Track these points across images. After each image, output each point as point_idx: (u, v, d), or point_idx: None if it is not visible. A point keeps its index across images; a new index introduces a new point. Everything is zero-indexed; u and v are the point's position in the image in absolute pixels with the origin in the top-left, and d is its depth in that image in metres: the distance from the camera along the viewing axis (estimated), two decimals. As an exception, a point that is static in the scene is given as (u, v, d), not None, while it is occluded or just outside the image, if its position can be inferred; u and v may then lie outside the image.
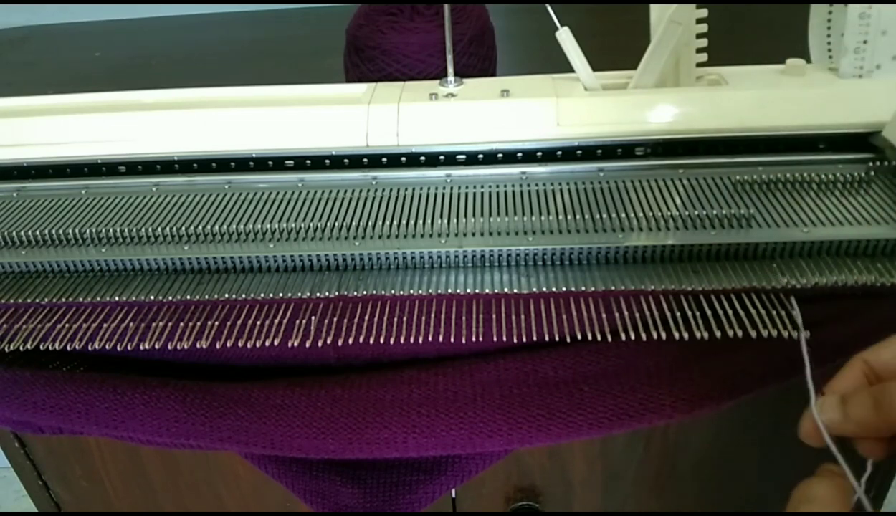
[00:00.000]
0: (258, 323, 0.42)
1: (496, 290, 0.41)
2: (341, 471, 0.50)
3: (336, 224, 0.45)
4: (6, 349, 0.42)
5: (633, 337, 0.39)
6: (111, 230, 0.46)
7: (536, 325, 0.40)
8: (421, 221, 0.45)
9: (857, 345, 0.41)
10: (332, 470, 0.50)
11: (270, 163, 0.52)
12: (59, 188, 0.52)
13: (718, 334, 0.38)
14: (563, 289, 0.41)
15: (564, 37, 0.51)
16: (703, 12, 0.49)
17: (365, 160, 0.51)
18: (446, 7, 0.51)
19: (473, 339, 0.40)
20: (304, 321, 0.41)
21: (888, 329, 0.37)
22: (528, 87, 0.52)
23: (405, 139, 0.51)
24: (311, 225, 0.45)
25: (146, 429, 0.44)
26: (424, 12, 0.57)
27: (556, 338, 0.41)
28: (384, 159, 0.51)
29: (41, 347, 0.42)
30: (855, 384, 0.32)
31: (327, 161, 0.51)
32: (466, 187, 0.48)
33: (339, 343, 0.41)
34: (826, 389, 0.33)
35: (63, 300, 0.43)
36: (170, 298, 0.42)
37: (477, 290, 0.41)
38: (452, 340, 0.40)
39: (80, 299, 0.43)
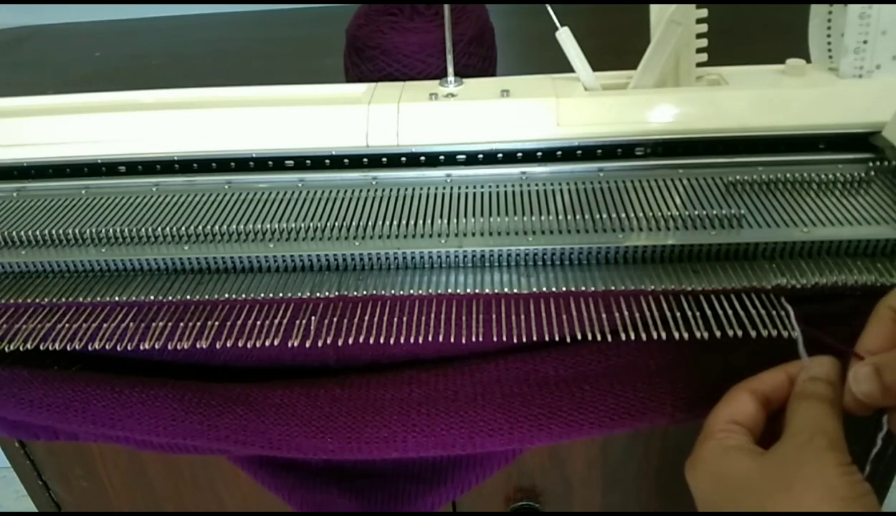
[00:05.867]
0: (258, 323, 0.42)
1: (496, 290, 0.41)
2: (339, 483, 0.50)
3: (336, 224, 0.45)
4: (6, 349, 0.42)
5: (633, 337, 0.39)
6: (111, 230, 0.46)
7: (536, 325, 0.40)
8: (421, 221, 0.45)
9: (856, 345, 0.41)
10: (330, 481, 0.50)
11: (270, 163, 0.52)
12: (59, 188, 0.52)
13: (718, 334, 0.38)
14: (563, 289, 0.41)
15: (564, 37, 0.51)
16: (703, 12, 0.49)
17: (365, 160, 0.51)
18: (446, 7, 0.51)
19: (473, 339, 0.40)
20: (304, 321, 0.41)
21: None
22: (528, 87, 0.52)
23: (405, 139, 0.51)
24: (311, 225, 0.45)
25: (143, 428, 0.44)
26: (424, 12, 0.57)
27: (557, 338, 0.41)
28: (384, 159, 0.51)
29: (41, 347, 0.42)
30: (887, 338, 0.31)
31: (327, 161, 0.51)
32: (466, 187, 0.48)
33: (339, 343, 0.41)
34: (858, 347, 0.31)
35: (63, 300, 0.43)
36: (170, 298, 0.42)
37: (477, 290, 0.41)
38: (452, 340, 0.40)
39: (80, 299, 0.43)
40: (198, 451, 0.48)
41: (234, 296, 0.42)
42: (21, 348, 0.42)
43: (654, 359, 0.42)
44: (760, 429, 0.33)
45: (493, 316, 0.41)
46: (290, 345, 0.41)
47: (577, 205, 0.46)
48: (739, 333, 0.38)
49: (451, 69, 0.54)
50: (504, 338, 0.40)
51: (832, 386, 0.32)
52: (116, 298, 0.43)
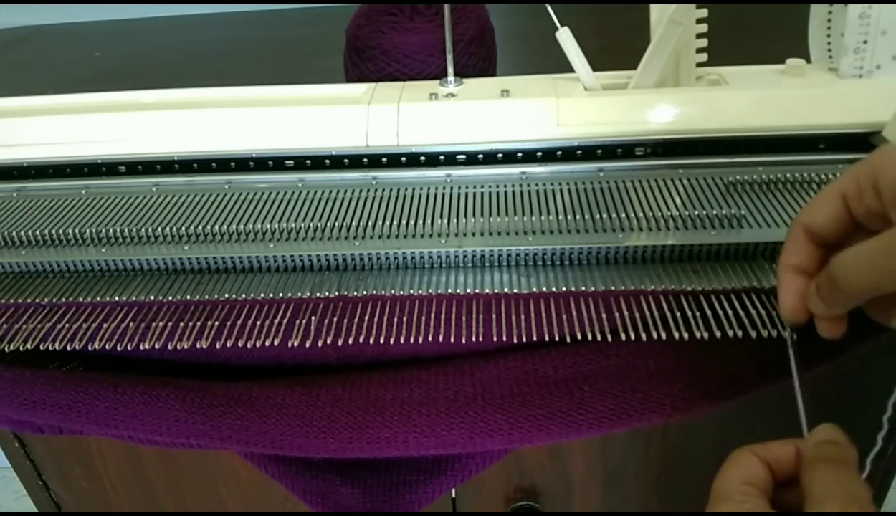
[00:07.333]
0: (258, 323, 0.42)
1: (496, 290, 0.41)
2: (341, 471, 0.50)
3: (336, 224, 0.45)
4: (6, 349, 0.42)
5: (633, 337, 0.39)
6: (111, 230, 0.46)
7: (536, 325, 0.40)
8: (421, 221, 0.45)
9: (854, 346, 0.41)
10: (332, 469, 0.50)
11: (270, 163, 0.52)
12: (59, 188, 0.52)
13: (718, 334, 0.38)
14: (563, 289, 0.41)
15: (564, 37, 0.51)
16: (703, 12, 0.49)
17: (365, 160, 0.51)
18: (446, 7, 0.51)
19: (473, 339, 0.40)
20: (304, 321, 0.41)
21: (885, 329, 0.37)
22: (528, 87, 0.52)
23: (405, 139, 0.51)
24: (311, 225, 0.45)
25: (146, 429, 0.44)
26: (424, 12, 0.57)
27: (556, 338, 0.41)
28: (384, 159, 0.51)
29: (41, 347, 0.42)
30: (804, 253, 0.33)
31: (327, 161, 0.51)
32: (466, 187, 0.48)
33: (340, 343, 0.41)
34: (780, 265, 0.34)
35: (63, 300, 0.43)
36: (170, 298, 0.42)
37: (477, 290, 0.41)
38: (452, 340, 0.40)
39: (80, 299, 0.43)
40: (201, 448, 0.48)
41: (234, 296, 0.42)
42: (21, 348, 0.42)
43: (653, 359, 0.42)
44: (770, 497, 0.30)
45: (493, 316, 0.41)
46: (290, 345, 0.41)
47: (577, 205, 0.46)
48: (739, 333, 0.38)
49: (451, 69, 0.54)
50: (504, 338, 0.40)
51: (844, 447, 0.30)
52: (116, 298, 0.43)
